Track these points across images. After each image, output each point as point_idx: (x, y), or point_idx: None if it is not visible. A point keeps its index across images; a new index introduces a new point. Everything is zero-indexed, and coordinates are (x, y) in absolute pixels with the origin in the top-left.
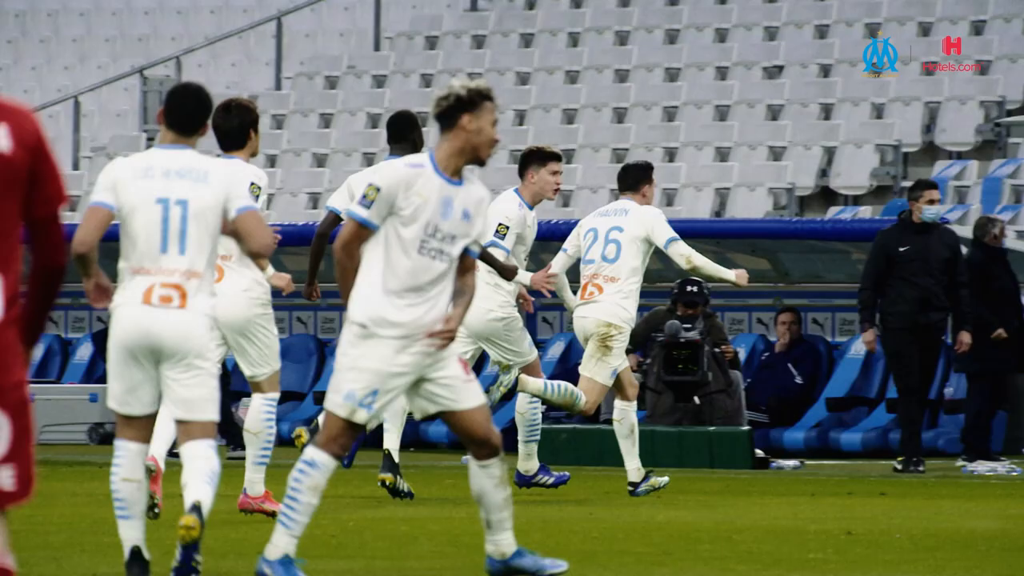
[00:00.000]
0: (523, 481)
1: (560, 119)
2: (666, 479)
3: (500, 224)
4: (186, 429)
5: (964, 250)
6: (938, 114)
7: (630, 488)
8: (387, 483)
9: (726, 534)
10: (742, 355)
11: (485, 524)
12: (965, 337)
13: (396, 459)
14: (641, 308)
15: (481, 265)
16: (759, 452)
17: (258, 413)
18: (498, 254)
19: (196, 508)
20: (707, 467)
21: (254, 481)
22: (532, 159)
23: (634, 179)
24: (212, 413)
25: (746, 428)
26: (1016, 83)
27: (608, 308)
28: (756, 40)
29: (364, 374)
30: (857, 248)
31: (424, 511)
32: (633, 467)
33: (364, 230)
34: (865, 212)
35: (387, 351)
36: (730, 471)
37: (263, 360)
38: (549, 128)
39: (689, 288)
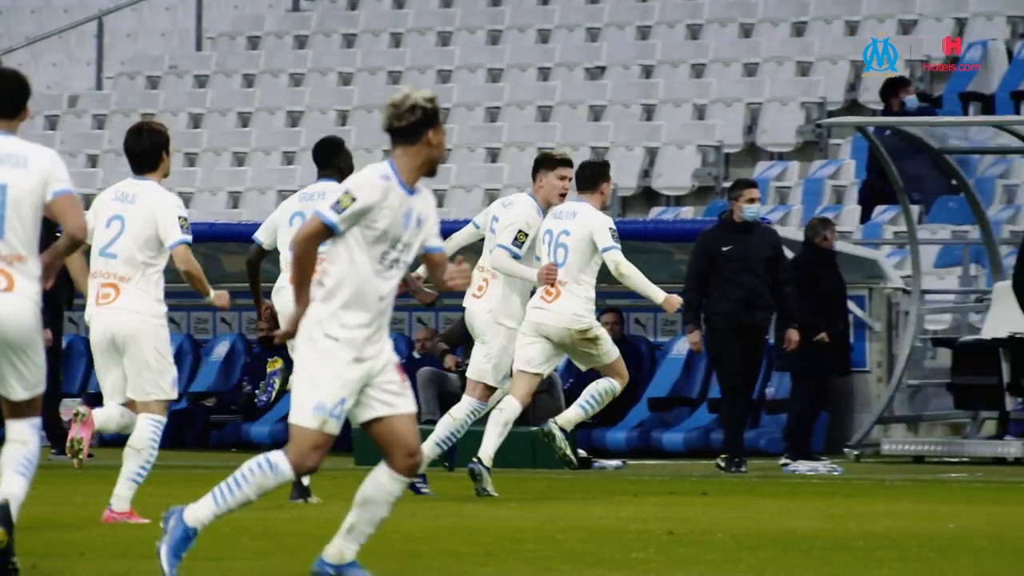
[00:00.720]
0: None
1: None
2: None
3: (520, 232)
4: (16, 408)
5: (786, 249)
6: (759, 115)
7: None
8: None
9: (549, 534)
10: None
11: (346, 528)
12: (793, 335)
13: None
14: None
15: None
16: (582, 452)
17: (145, 432)
18: (505, 256)
19: (5, 514)
20: (530, 467)
21: (122, 497)
22: (542, 164)
23: (592, 178)
24: (42, 386)
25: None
26: (837, 84)
27: (569, 310)
28: (578, 41)
29: (330, 384)
30: (679, 248)
31: (246, 511)
32: (488, 454)
33: (327, 233)
34: (687, 213)
35: (345, 359)
36: (553, 471)
37: (153, 383)
38: (371, 129)
39: None
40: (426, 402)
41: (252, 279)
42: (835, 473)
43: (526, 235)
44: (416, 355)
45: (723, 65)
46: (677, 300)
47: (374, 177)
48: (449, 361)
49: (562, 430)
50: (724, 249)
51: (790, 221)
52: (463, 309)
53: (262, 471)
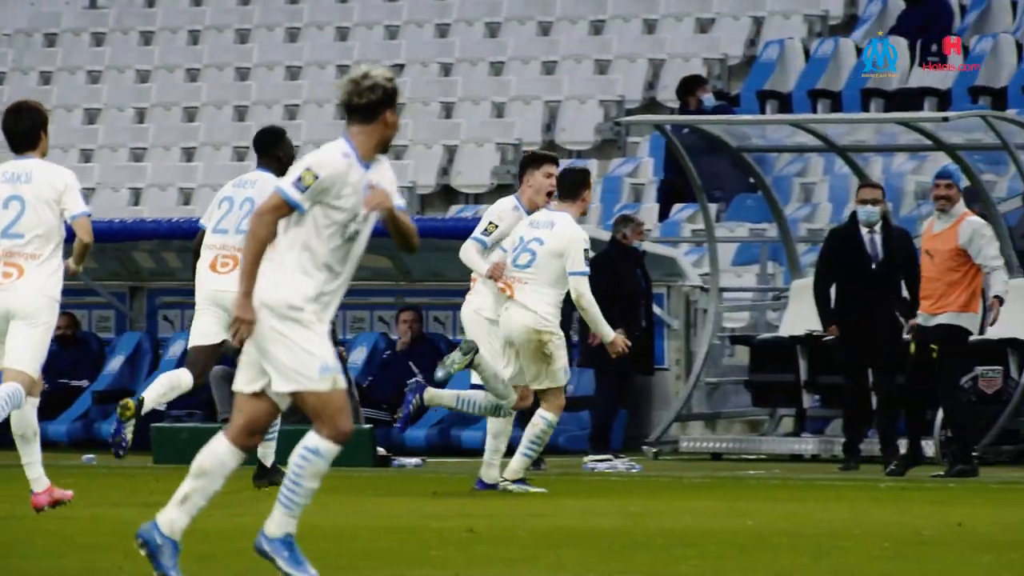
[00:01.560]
0: (485, 487)
1: (181, 116)
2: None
3: (490, 223)
4: None
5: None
6: (558, 113)
7: (503, 479)
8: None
9: (347, 532)
10: (363, 354)
11: (180, 497)
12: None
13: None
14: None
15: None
16: (381, 450)
17: (29, 416)
18: (471, 245)
19: None
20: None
21: (37, 478)
22: (528, 163)
23: (572, 186)
24: None
25: (368, 427)
26: (635, 82)
27: (536, 310)
28: (377, 39)
29: (321, 347)
30: None
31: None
32: (502, 462)
33: (287, 209)
34: (486, 210)
35: (317, 327)
36: (352, 469)
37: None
38: (170, 127)
39: None
40: (220, 401)
41: (196, 264)
42: (634, 471)
43: (496, 226)
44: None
45: (522, 63)
46: (621, 344)
47: (335, 154)
48: None
49: (516, 482)
50: None
51: (589, 219)
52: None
53: (309, 462)
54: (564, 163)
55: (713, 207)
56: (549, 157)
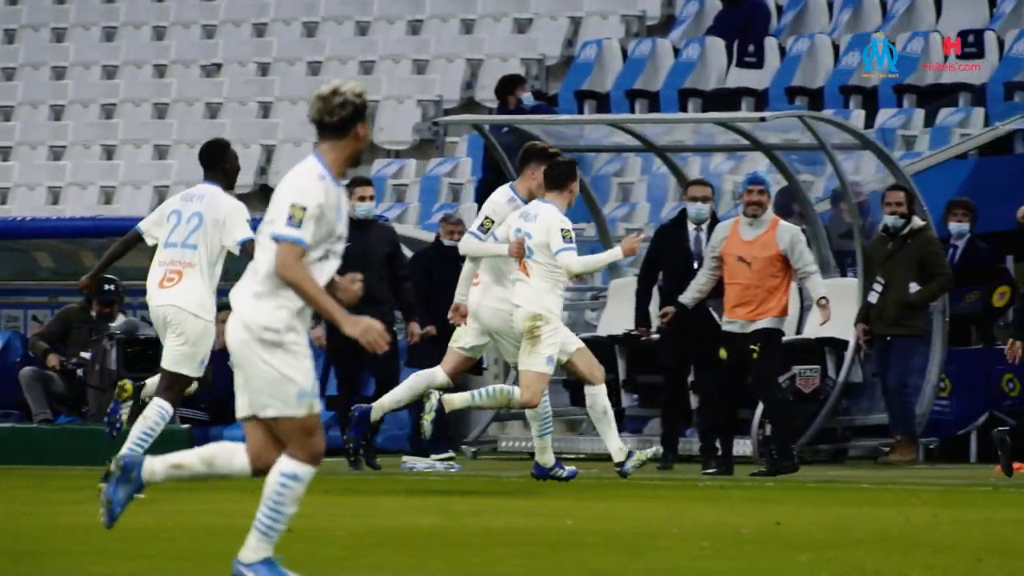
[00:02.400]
0: (541, 473)
1: (99, 114)
2: (655, 448)
3: (486, 218)
4: None
5: (405, 247)
6: (376, 113)
7: (617, 469)
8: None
9: (165, 533)
10: None
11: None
12: (415, 328)
13: None
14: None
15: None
16: None
17: None
18: (471, 241)
19: None
20: None
21: None
22: (533, 157)
23: (560, 177)
24: None
25: (186, 427)
26: (453, 82)
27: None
28: (194, 38)
29: (300, 371)
30: None
31: None
32: (615, 448)
33: (300, 251)
34: None
35: (299, 348)
36: None
37: None
38: (38, 124)
39: (106, 287)
40: (35, 401)
41: (108, 255)
42: (453, 470)
43: (492, 221)
44: (31, 354)
45: (339, 63)
46: (634, 240)
47: (312, 179)
48: (52, 360)
49: (444, 405)
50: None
51: (407, 219)
52: None
53: (289, 488)
54: (383, 163)
55: None
56: (554, 153)
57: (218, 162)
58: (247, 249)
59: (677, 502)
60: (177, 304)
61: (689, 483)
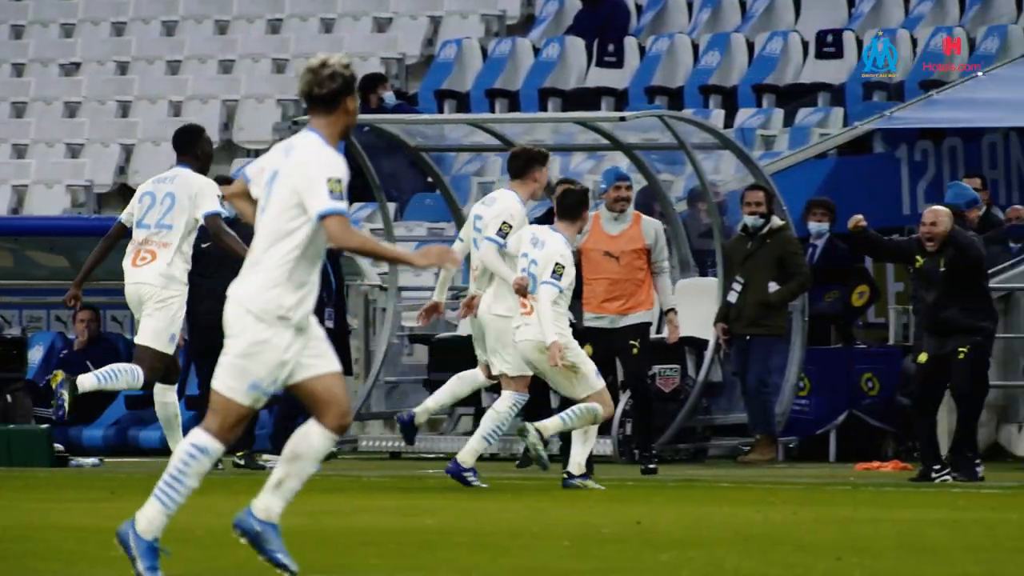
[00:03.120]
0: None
1: (10, 112)
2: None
3: (504, 223)
4: None
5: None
6: (236, 112)
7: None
8: None
9: (25, 534)
10: (40, 353)
11: (274, 482)
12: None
13: None
14: None
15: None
16: (59, 448)
17: None
18: (492, 249)
19: None
20: (6, 465)
21: None
22: (535, 160)
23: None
24: None
25: (44, 426)
26: None
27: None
28: (53, 37)
29: (269, 364)
30: None
31: None
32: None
33: (346, 219)
34: None
35: (287, 340)
36: (29, 469)
37: None
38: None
39: None
40: None
41: (96, 254)
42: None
43: (510, 226)
44: None
45: (199, 62)
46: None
47: (333, 152)
48: None
49: (543, 433)
50: (204, 246)
51: None
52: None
53: (196, 460)
54: (244, 162)
55: (392, 206)
56: (548, 155)
57: (190, 147)
58: (210, 223)
59: (539, 501)
60: (149, 282)
61: (550, 482)
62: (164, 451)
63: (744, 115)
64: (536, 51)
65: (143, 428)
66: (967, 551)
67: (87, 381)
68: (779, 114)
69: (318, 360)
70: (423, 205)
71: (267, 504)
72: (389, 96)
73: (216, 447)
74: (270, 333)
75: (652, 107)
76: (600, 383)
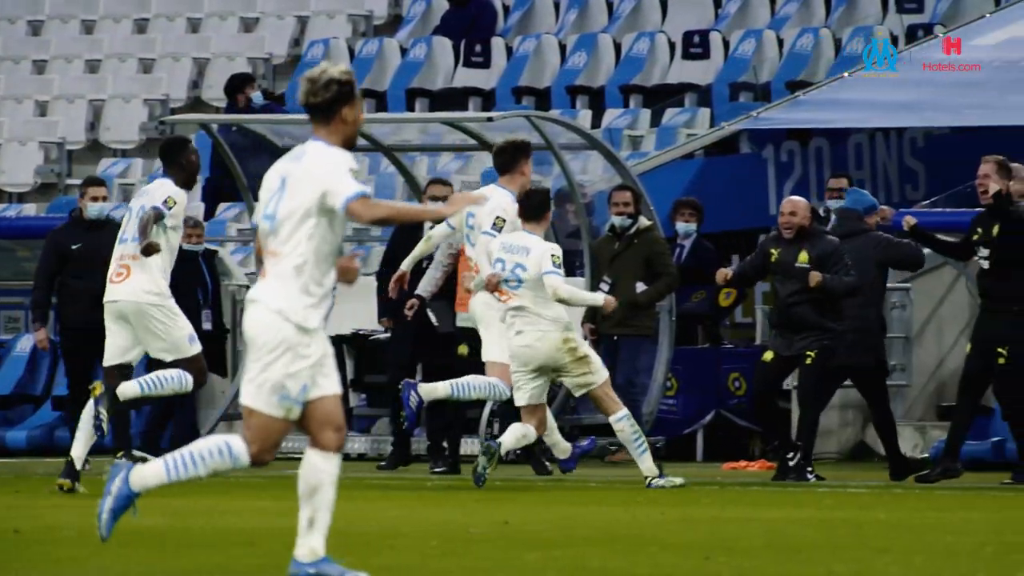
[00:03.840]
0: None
1: None
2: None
3: (498, 217)
4: None
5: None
6: (102, 112)
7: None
8: (64, 488)
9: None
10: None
11: (306, 523)
12: None
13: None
14: None
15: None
16: None
17: None
18: (488, 243)
19: None
20: None
21: None
22: (523, 152)
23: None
24: None
25: None
26: (180, 81)
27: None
28: None
29: (300, 374)
30: (23, 246)
31: None
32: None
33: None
34: (31, 209)
35: (313, 347)
36: None
37: None
38: None
39: None
40: None
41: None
42: None
43: (504, 220)
44: None
45: (65, 61)
46: (613, 301)
47: (340, 149)
48: None
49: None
50: (74, 247)
51: None
52: None
53: (221, 457)
54: (110, 162)
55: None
56: (530, 144)
57: (175, 158)
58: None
59: (408, 501)
60: (129, 299)
61: (419, 482)
62: (30, 451)
63: (611, 115)
64: (403, 51)
65: (10, 428)
66: (834, 550)
67: (129, 389)
68: (646, 114)
69: (324, 380)
70: None
71: (310, 546)
72: (257, 96)
73: (245, 462)
74: (295, 340)
75: (519, 107)
76: (606, 374)
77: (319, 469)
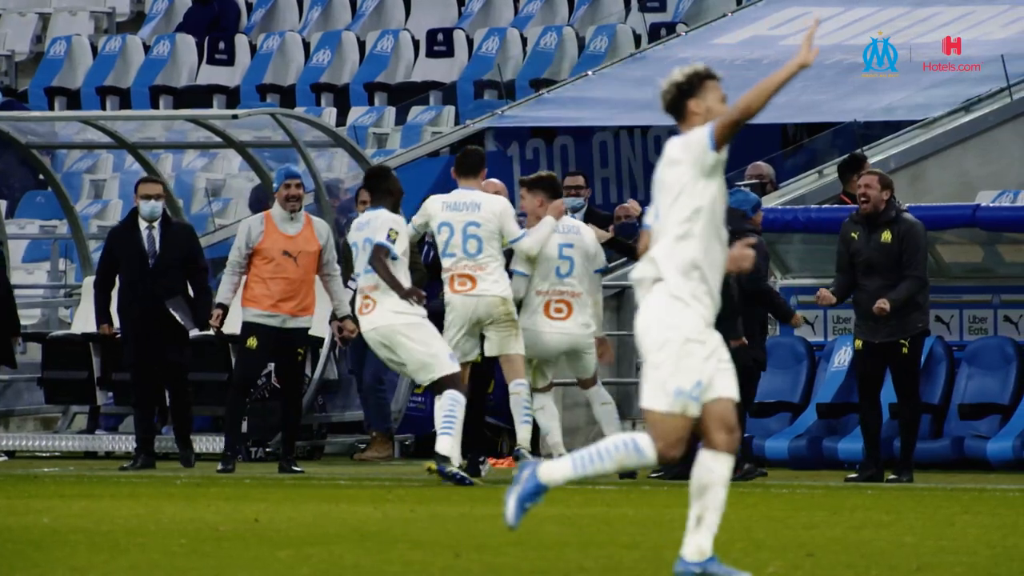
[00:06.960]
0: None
1: None
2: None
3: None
4: None
5: None
6: None
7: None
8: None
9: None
10: None
11: (695, 521)
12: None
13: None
14: None
15: None
16: None
17: None
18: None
19: None
20: None
21: None
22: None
23: (474, 164)
24: None
25: None
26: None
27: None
28: None
29: (692, 370)
30: None
31: None
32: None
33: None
34: None
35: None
36: None
37: None
38: None
39: None
40: None
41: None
42: None
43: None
44: None
45: None
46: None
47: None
48: None
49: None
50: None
51: None
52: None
53: (623, 452)
54: None
55: (2, 204)
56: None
57: (382, 185)
58: None
59: (155, 499)
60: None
61: (167, 480)
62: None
63: (356, 113)
64: (147, 48)
65: None
66: (583, 547)
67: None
68: (391, 112)
69: (720, 382)
70: (35, 203)
71: (697, 544)
72: None
73: (652, 458)
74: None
75: (264, 105)
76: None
77: (710, 469)
